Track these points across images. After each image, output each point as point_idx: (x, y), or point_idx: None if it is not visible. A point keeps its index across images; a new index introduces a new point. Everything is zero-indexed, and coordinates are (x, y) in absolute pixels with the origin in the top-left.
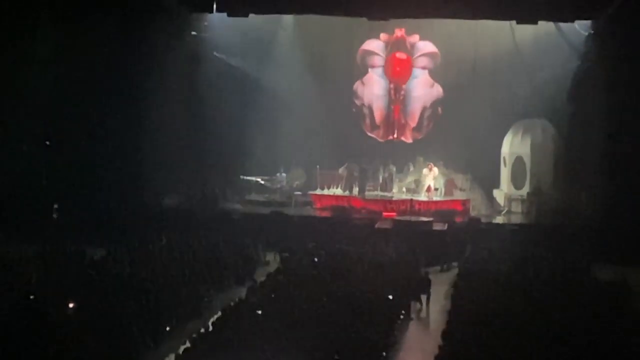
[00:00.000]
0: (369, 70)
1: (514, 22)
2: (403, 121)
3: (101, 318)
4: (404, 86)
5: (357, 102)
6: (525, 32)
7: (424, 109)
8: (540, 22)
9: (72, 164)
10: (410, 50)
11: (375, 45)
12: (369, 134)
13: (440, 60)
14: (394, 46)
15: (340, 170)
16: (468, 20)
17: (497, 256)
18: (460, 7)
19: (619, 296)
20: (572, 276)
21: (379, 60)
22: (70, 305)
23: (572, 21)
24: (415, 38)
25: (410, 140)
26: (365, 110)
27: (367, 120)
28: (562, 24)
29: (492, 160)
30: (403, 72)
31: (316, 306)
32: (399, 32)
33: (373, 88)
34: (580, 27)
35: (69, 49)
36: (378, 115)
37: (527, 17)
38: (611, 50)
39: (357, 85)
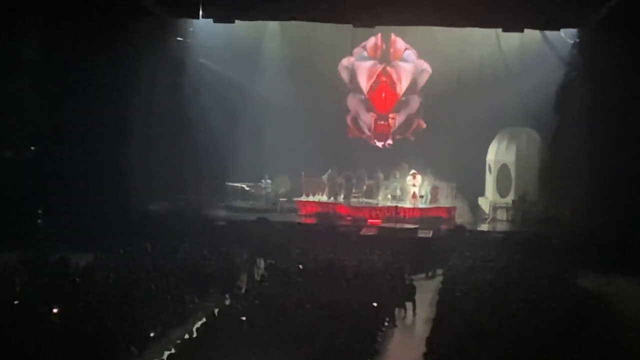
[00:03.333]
0: (355, 76)
1: (499, 30)
2: (389, 128)
3: (85, 324)
4: (388, 88)
5: (343, 108)
6: (511, 40)
7: (410, 116)
8: (526, 31)
9: (56, 170)
10: (397, 64)
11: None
12: (355, 140)
13: (427, 67)
14: (382, 60)
15: (324, 177)
16: (454, 28)
17: (482, 264)
18: (446, 15)
19: (604, 304)
20: (557, 284)
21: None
22: (55, 311)
23: (558, 29)
24: (401, 45)
25: (395, 147)
26: (351, 117)
27: (353, 127)
28: (547, 32)
29: (477, 168)
30: (388, 101)
31: (301, 313)
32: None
33: (359, 95)
34: (566, 36)
35: (54, 55)
36: (364, 122)
37: (513, 25)
38: (596, 58)
39: (344, 92)
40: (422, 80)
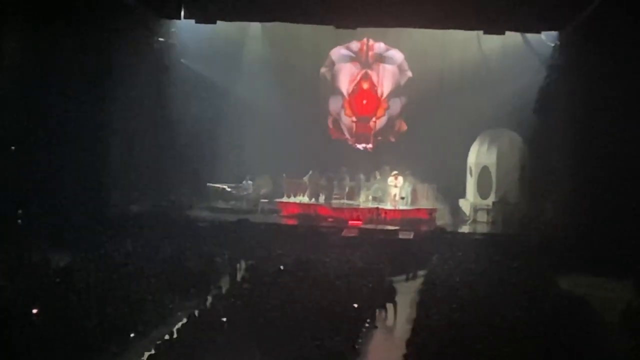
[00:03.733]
0: (337, 79)
1: (481, 32)
2: (370, 130)
3: (65, 324)
4: (370, 91)
5: (325, 110)
6: (493, 43)
7: (391, 119)
8: (507, 33)
9: (37, 170)
10: (379, 67)
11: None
12: (336, 142)
13: (408, 69)
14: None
15: (305, 178)
16: (436, 30)
17: (463, 266)
18: (427, 17)
19: (584, 307)
20: (538, 286)
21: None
22: (34, 311)
23: (539, 32)
24: (382, 48)
25: (376, 148)
26: (332, 119)
27: (334, 129)
28: (528, 35)
29: (458, 170)
30: (369, 105)
31: (281, 314)
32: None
33: (340, 94)
34: (547, 38)
35: (35, 54)
36: (344, 125)
37: (494, 27)
38: (577, 61)
39: (326, 94)
40: (404, 82)
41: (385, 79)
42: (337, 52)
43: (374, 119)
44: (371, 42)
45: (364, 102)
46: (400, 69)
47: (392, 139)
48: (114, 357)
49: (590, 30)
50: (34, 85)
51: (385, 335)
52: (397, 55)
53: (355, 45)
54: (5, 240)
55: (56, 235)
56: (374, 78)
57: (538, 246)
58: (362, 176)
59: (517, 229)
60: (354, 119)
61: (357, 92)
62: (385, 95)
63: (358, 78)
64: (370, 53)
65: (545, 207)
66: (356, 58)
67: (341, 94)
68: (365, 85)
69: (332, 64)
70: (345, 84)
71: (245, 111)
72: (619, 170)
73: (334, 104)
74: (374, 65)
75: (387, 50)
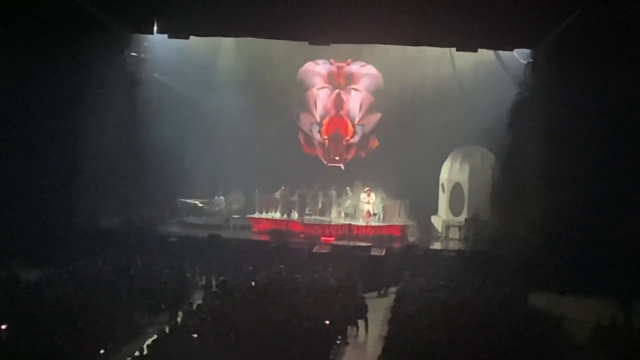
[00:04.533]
0: (309, 99)
1: (453, 49)
2: (342, 148)
3: (34, 341)
4: (342, 112)
5: (298, 126)
6: (465, 60)
7: (364, 136)
8: (480, 50)
9: (6, 185)
10: (351, 86)
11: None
12: (309, 157)
13: (381, 85)
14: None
15: (277, 194)
16: (408, 47)
17: (434, 282)
18: (401, 33)
19: (555, 324)
20: (509, 304)
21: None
22: (3, 327)
23: (511, 49)
24: (355, 66)
25: (348, 164)
26: (304, 136)
27: (306, 145)
28: (501, 52)
29: (430, 186)
30: (341, 127)
31: (252, 330)
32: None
33: (313, 114)
34: (519, 56)
35: (5, 68)
36: (317, 142)
37: (467, 44)
38: (549, 78)
39: (298, 110)
40: (377, 99)
41: (358, 98)
42: (310, 70)
43: (346, 137)
44: (343, 61)
45: (336, 121)
46: (372, 86)
47: (364, 155)
48: None
49: (563, 47)
50: (4, 99)
51: (356, 352)
52: (369, 73)
53: (327, 65)
54: None
55: (26, 250)
56: (346, 97)
57: (510, 263)
58: (334, 192)
59: (488, 246)
60: (325, 137)
61: (330, 111)
62: (357, 113)
63: (332, 97)
64: (342, 71)
65: (517, 224)
66: (328, 77)
67: (313, 112)
68: (338, 105)
69: (305, 81)
70: (318, 103)
71: (218, 126)
72: (592, 188)
73: (306, 121)
74: (347, 85)
75: (359, 67)
